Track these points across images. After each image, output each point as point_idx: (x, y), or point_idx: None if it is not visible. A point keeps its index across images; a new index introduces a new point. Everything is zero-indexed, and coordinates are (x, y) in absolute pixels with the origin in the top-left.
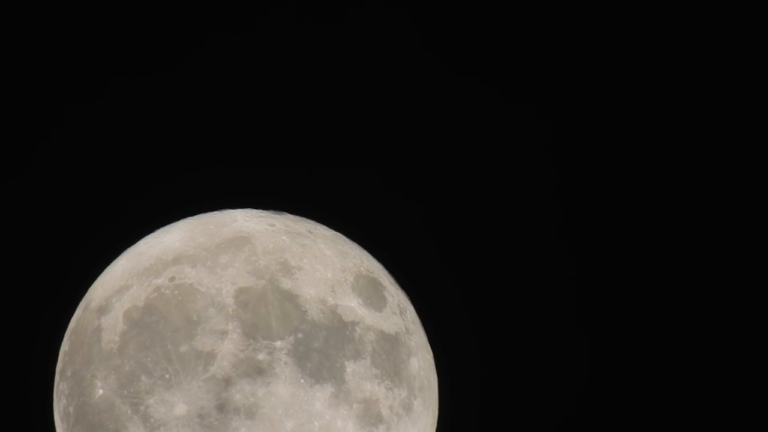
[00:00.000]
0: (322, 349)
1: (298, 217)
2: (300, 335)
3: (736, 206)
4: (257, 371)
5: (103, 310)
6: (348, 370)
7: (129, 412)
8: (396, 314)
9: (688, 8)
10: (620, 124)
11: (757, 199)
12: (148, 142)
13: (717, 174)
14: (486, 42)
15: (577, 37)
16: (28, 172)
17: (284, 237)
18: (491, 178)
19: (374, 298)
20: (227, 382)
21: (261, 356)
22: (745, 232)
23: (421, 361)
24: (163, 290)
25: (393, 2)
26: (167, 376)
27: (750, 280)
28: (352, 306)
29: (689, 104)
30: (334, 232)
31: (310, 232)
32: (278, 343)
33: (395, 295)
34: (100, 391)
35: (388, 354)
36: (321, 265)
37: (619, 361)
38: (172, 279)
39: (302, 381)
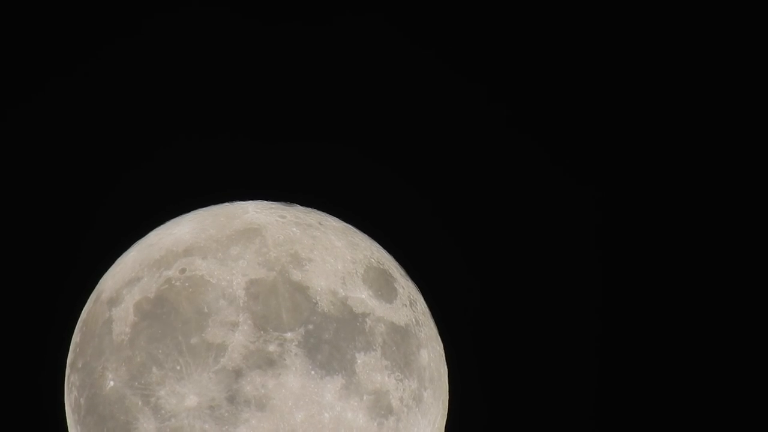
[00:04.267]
0: (332, 341)
1: (308, 209)
2: (310, 327)
3: (734, 207)
4: (268, 363)
5: (113, 301)
6: (358, 361)
7: (140, 403)
8: (406, 306)
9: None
10: (625, 125)
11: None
12: (159, 134)
13: (716, 178)
14: (487, 38)
15: (571, 36)
16: (37, 163)
17: (295, 229)
18: (501, 170)
19: (385, 289)
20: (238, 373)
21: (271, 348)
22: (745, 234)
23: (431, 353)
24: (174, 282)
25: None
26: (178, 367)
27: (747, 287)
28: (363, 297)
29: (689, 106)
30: (345, 224)
31: (320, 223)
32: (289, 335)
33: (405, 287)
34: (111, 383)
35: (398, 345)
36: (331, 256)
37: (627, 353)
38: (183, 271)
39: (313, 372)
